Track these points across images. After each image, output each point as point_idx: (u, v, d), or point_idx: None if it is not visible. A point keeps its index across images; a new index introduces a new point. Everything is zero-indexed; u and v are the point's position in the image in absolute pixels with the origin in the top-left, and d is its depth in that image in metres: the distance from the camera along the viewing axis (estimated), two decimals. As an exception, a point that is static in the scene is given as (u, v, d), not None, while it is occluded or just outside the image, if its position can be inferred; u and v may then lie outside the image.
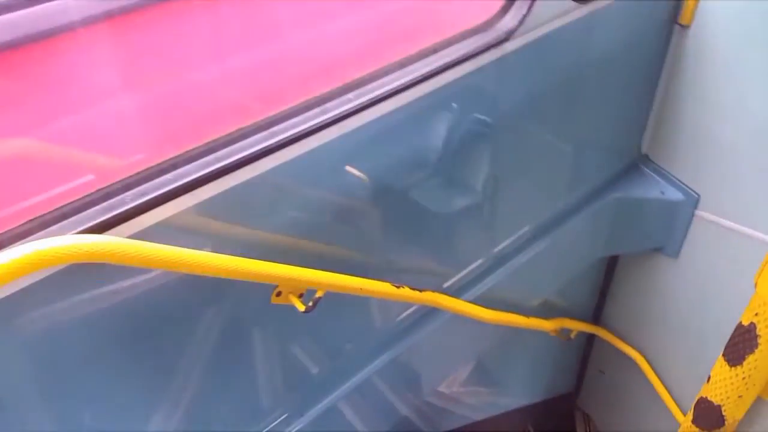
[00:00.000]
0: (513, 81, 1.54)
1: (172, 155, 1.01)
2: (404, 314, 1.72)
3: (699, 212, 2.15)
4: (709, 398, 1.76)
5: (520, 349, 2.60)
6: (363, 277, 1.33)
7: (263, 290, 1.16)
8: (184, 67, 1.18)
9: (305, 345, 1.55)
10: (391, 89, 1.24)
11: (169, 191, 0.98)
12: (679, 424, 2.65)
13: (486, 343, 2.18)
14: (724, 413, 1.76)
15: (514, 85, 1.55)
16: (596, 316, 2.88)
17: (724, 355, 1.70)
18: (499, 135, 1.62)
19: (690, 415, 1.61)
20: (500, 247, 1.91)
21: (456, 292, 1.82)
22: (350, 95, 1.21)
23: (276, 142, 1.11)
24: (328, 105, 1.19)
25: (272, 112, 1.15)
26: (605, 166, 2.15)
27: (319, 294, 1.26)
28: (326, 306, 1.23)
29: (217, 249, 1.10)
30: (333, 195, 1.34)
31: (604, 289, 2.76)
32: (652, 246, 2.35)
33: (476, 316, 1.76)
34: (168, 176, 1.00)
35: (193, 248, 0.97)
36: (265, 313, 1.34)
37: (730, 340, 1.67)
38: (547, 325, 2.27)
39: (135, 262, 0.87)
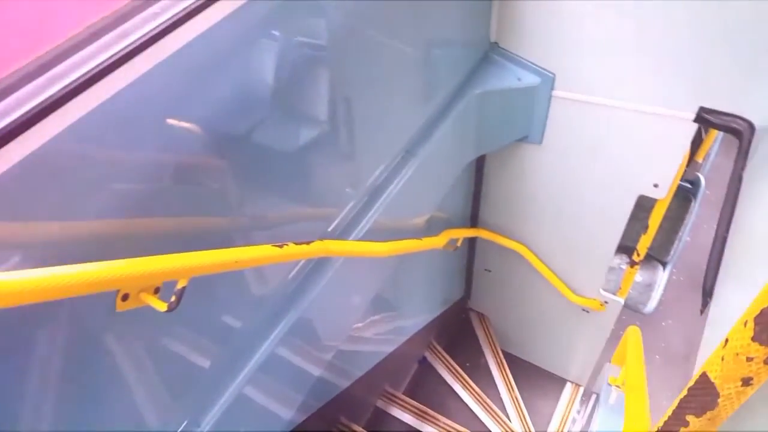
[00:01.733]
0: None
1: None
2: (293, 272, 1.47)
3: (556, 92, 2.13)
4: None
5: (414, 271, 2.51)
6: (232, 246, 1.04)
7: (103, 298, 0.83)
8: None
9: (185, 340, 1.24)
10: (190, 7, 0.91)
11: None
12: (567, 302, 2.83)
13: (383, 275, 2.03)
14: None
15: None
16: (474, 219, 2.88)
17: None
18: (340, 54, 1.36)
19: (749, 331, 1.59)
20: (375, 174, 1.70)
21: (342, 234, 1.61)
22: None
23: (49, 98, 0.75)
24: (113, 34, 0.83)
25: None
26: (459, 64, 2.01)
27: (181, 284, 0.96)
28: (196, 291, 0.94)
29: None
30: (156, 154, 1.00)
31: (477, 190, 2.75)
32: (517, 136, 2.33)
33: (372, 253, 1.56)
34: None
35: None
36: (117, 323, 1.01)
37: None
38: (438, 241, 2.17)
39: None
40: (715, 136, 3.57)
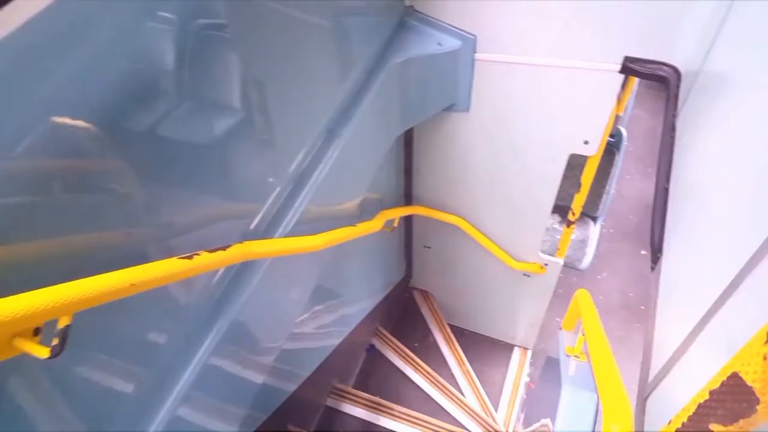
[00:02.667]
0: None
1: None
2: (218, 276, 1.28)
3: (479, 55, 2.03)
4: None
5: (352, 257, 2.36)
6: (127, 265, 0.84)
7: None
8: None
9: (99, 367, 1.04)
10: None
11: None
12: (508, 269, 2.80)
13: (320, 267, 1.87)
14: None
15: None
16: (408, 196, 2.77)
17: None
18: (242, 31, 1.17)
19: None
20: (297, 160, 1.53)
21: (268, 230, 1.43)
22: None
23: None
24: None
25: None
26: (374, 32, 1.85)
27: (63, 323, 0.77)
28: (105, 308, 0.76)
29: None
30: (28, 162, 0.79)
31: (407, 166, 2.63)
32: (444, 105, 2.22)
33: (303, 249, 1.40)
34: None
35: None
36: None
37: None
38: (374, 225, 2.03)
39: None
40: (633, 88, 3.64)
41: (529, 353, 3.49)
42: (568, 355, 1.45)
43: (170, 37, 1.02)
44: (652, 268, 1.33)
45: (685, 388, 0.96)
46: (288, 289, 1.74)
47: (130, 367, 1.15)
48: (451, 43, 2.01)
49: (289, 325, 1.83)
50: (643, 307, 3.88)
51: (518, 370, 3.39)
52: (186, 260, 0.94)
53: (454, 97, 2.21)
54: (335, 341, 2.47)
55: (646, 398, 1.07)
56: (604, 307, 3.90)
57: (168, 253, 0.98)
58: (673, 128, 1.56)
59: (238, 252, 1.15)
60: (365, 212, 2.15)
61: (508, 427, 3.14)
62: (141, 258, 1.01)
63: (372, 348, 3.02)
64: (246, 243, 1.20)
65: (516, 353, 3.47)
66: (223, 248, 1.11)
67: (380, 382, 2.87)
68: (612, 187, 3.46)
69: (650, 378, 1.08)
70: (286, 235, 1.48)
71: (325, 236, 1.48)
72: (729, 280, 0.91)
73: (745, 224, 0.99)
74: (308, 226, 1.62)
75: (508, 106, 2.15)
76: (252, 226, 1.40)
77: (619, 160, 3.37)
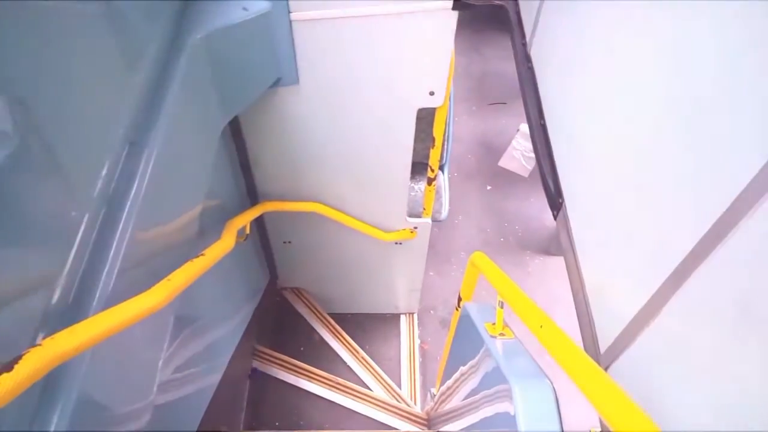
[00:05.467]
0: None
1: None
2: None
3: (295, 15, 1.72)
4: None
5: (207, 282, 1.95)
6: None
7: None
8: None
9: None
10: None
11: None
12: (379, 242, 2.60)
13: (173, 312, 1.47)
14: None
15: None
16: (253, 194, 2.40)
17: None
18: None
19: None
20: (98, 187, 1.11)
21: (81, 297, 1.01)
22: None
23: None
24: None
25: None
26: (157, 5, 1.42)
27: None
28: None
29: None
30: None
31: (243, 161, 2.25)
32: (269, 83, 1.87)
33: (140, 314, 1.01)
34: None
35: None
36: None
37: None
38: (227, 243, 1.66)
39: None
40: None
41: (416, 317, 3.41)
42: (493, 337, 1.29)
43: None
44: (555, 215, 1.21)
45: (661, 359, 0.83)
46: (138, 344, 1.34)
47: None
48: (258, 4, 1.66)
49: (148, 383, 1.42)
50: (501, 239, 4.03)
51: (410, 337, 3.30)
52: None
53: (277, 70, 1.87)
54: (215, 377, 2.07)
55: (606, 369, 0.94)
56: (470, 248, 3.96)
57: None
58: (527, 58, 1.43)
59: (39, 362, 0.74)
60: (208, 226, 1.76)
61: (414, 398, 3.05)
62: None
63: (255, 372, 2.65)
64: (47, 342, 0.78)
65: (404, 321, 3.37)
66: (10, 364, 0.70)
67: (275, 408, 2.54)
68: (450, 133, 3.44)
69: (604, 348, 0.95)
70: (110, 295, 1.08)
71: (167, 286, 1.10)
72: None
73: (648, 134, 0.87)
74: (139, 270, 1.21)
75: (341, 69, 1.89)
76: (54, 301, 0.98)
77: (452, 104, 3.34)
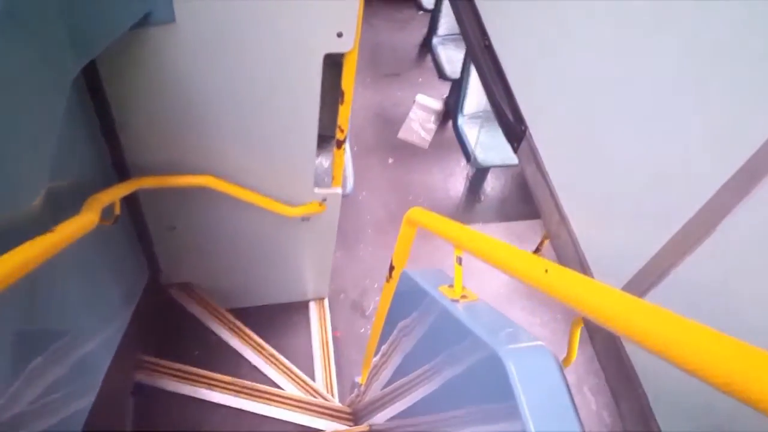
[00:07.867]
0: None
1: None
2: None
3: None
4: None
5: (63, 279, 1.49)
6: None
7: None
8: None
9: None
10: None
11: None
12: (282, 219, 2.26)
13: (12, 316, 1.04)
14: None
15: None
16: (121, 167, 1.94)
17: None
18: None
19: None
20: None
21: None
22: None
23: None
24: None
25: None
26: None
27: None
28: None
29: None
30: None
31: (106, 124, 1.78)
32: (136, 18, 1.44)
33: None
34: None
35: None
36: None
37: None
38: (87, 219, 1.23)
39: None
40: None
41: (326, 302, 3.11)
42: (455, 300, 1.03)
43: None
44: (516, 148, 0.98)
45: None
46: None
47: None
48: None
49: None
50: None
51: (320, 325, 3.00)
52: None
53: (146, 1, 1.45)
54: (84, 403, 1.62)
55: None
56: (376, 224, 3.74)
57: None
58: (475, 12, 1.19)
59: None
60: (59, 206, 1.31)
61: (331, 391, 2.77)
62: None
63: (139, 387, 2.17)
64: None
65: (313, 308, 3.05)
66: None
67: (169, 426, 2.11)
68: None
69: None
70: None
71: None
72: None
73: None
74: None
75: (228, 3, 1.52)
76: None
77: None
